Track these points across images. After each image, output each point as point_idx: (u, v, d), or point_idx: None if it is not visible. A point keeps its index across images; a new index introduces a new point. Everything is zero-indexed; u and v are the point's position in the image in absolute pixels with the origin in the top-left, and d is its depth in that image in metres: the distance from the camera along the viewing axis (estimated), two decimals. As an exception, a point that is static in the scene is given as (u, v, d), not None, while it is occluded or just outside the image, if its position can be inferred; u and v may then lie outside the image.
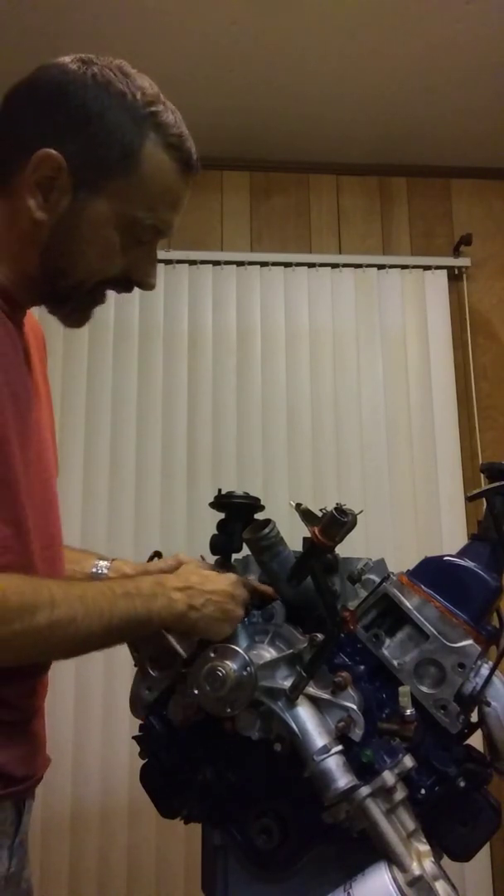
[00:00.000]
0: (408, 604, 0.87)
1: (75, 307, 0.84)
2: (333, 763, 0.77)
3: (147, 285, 0.84)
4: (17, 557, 0.76)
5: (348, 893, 0.75)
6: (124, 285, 0.84)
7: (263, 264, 2.26)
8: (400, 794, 0.79)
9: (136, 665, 0.98)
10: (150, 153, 0.78)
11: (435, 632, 0.84)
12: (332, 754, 0.77)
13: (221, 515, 0.98)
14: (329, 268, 2.27)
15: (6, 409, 0.75)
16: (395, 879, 0.73)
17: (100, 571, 1.00)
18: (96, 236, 0.79)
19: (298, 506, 0.86)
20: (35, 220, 0.77)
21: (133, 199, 0.79)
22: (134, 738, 0.94)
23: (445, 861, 0.83)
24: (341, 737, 0.79)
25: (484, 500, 0.92)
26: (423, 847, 0.78)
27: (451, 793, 0.82)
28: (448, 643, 0.84)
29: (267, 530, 0.87)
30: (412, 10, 1.80)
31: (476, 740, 0.88)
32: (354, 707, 0.80)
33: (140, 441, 2.10)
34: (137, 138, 0.78)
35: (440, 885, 0.75)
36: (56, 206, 0.77)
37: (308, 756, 0.77)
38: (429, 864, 0.76)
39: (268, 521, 0.88)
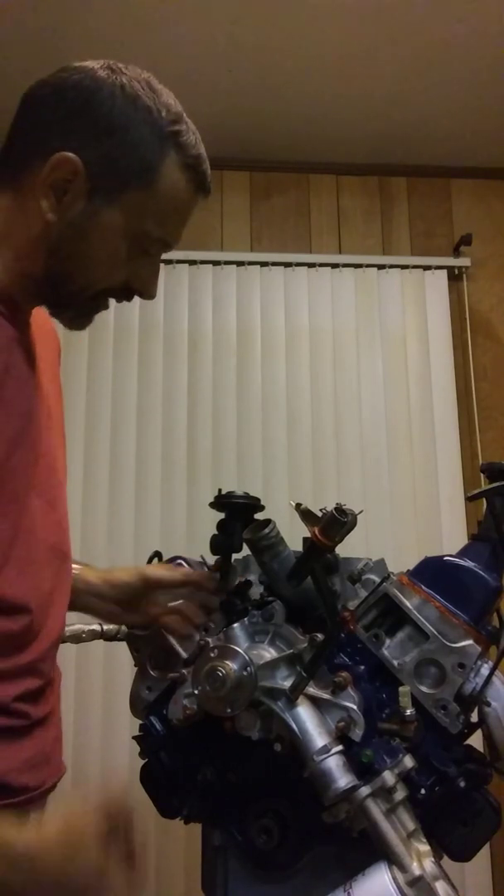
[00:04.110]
0: (408, 604, 0.87)
1: (78, 312, 0.86)
2: (333, 763, 0.77)
3: (148, 295, 0.86)
4: None
5: (348, 893, 0.75)
6: (125, 294, 0.86)
7: (263, 264, 2.26)
8: (400, 794, 0.79)
9: (136, 665, 0.98)
10: (168, 171, 0.80)
11: (435, 632, 0.84)
12: (332, 754, 0.77)
13: (221, 515, 0.98)
14: (329, 268, 2.27)
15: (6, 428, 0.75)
16: (395, 879, 0.73)
17: None
18: (105, 244, 0.80)
19: (298, 506, 0.86)
20: (46, 222, 0.78)
21: (146, 213, 0.80)
22: (134, 738, 0.94)
23: (445, 861, 0.83)
24: (341, 737, 0.79)
25: (484, 500, 0.92)
26: (423, 847, 0.78)
27: (451, 793, 0.82)
28: (448, 643, 0.84)
29: (267, 530, 0.87)
30: (412, 9, 1.80)
31: (476, 740, 0.88)
32: (354, 707, 0.80)
33: (140, 441, 2.10)
34: (158, 155, 0.79)
35: (440, 885, 0.75)
36: (68, 209, 0.78)
37: (308, 756, 0.77)
38: (429, 864, 0.76)
39: (268, 521, 0.88)
